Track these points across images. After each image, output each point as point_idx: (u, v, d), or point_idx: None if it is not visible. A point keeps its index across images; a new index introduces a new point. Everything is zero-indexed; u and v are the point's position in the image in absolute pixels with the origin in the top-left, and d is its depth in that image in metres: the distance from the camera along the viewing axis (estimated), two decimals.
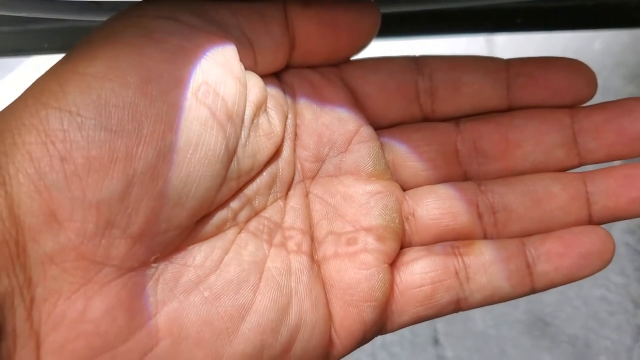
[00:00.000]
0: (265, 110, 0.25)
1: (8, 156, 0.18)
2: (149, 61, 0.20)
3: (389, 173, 0.27)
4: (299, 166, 0.26)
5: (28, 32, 0.36)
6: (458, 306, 0.26)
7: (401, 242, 0.27)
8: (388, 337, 0.82)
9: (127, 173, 0.19)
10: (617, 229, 0.83)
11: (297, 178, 0.26)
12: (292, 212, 0.26)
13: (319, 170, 0.27)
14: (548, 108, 0.27)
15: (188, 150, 0.20)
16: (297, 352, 0.24)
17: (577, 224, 0.26)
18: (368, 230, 0.26)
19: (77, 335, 0.19)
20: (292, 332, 0.23)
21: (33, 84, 0.20)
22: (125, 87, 0.19)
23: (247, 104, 0.23)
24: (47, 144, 0.18)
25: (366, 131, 0.27)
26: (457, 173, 0.28)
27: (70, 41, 0.36)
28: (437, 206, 0.27)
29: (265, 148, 0.24)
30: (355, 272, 0.25)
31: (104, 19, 0.23)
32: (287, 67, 0.26)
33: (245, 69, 0.24)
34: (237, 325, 0.22)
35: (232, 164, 0.22)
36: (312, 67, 0.27)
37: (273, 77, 0.26)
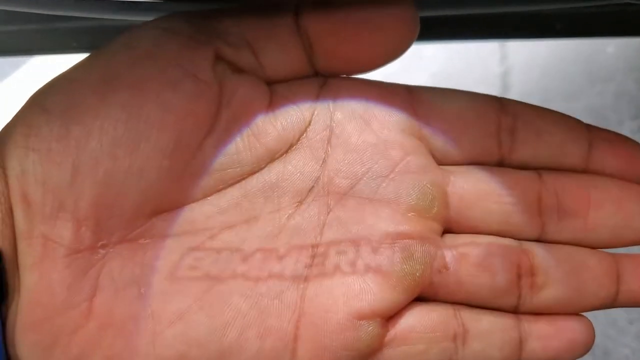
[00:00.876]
0: (266, 111, 0.24)
1: (6, 150, 0.22)
2: (113, 63, 0.22)
3: (437, 212, 0.25)
4: (324, 179, 0.25)
5: (56, 30, 0.36)
6: None
7: (421, 294, 0.25)
8: None
9: (75, 162, 0.21)
10: None
11: (317, 191, 0.25)
12: (293, 228, 0.24)
13: (352, 188, 0.25)
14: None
15: (132, 145, 0.21)
16: None
17: (605, 300, 0.26)
18: (376, 271, 0.24)
19: (28, 302, 0.21)
20: (223, 354, 0.23)
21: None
22: (84, 87, 0.22)
23: (221, 104, 0.23)
24: (29, 136, 0.21)
25: (415, 161, 0.25)
26: (535, 225, 0.26)
27: (99, 40, 0.36)
28: (477, 262, 0.25)
29: (250, 148, 0.24)
30: (343, 316, 0.23)
31: (136, 18, 0.24)
32: (334, 74, 0.26)
33: (248, 72, 0.24)
34: (164, 329, 0.22)
35: (189, 161, 0.23)
36: (356, 73, 0.26)
37: (304, 82, 0.25)
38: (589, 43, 1.20)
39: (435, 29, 0.33)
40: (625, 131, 0.97)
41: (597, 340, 0.74)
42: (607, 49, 1.18)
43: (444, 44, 1.26)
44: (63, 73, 0.23)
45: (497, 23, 0.36)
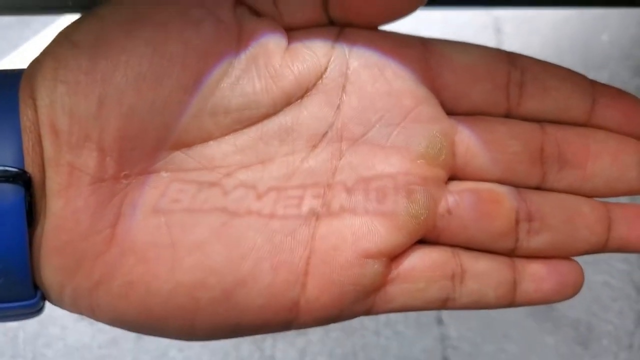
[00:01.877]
0: (283, 54, 0.25)
1: (36, 83, 0.22)
2: (139, 3, 0.23)
3: (444, 159, 0.26)
4: (338, 124, 0.26)
5: None
6: (444, 304, 0.27)
7: (424, 236, 0.26)
8: (392, 315, 0.83)
9: (101, 94, 0.22)
10: None
11: (330, 136, 0.26)
12: (306, 170, 0.25)
13: (365, 135, 0.26)
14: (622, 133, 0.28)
15: (155, 80, 0.23)
16: (240, 304, 0.24)
17: (596, 246, 0.27)
18: (384, 214, 0.25)
19: (53, 227, 0.22)
20: (238, 283, 0.24)
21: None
22: (114, 26, 0.23)
23: (240, 45, 0.24)
24: (57, 69, 0.22)
25: (426, 111, 0.26)
26: (536, 173, 0.27)
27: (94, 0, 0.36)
28: (476, 208, 0.26)
29: (267, 90, 0.24)
30: (351, 254, 0.25)
31: None
32: (349, 24, 0.26)
33: (266, 16, 0.25)
34: (183, 257, 0.23)
35: (208, 99, 0.24)
36: (369, 26, 0.26)
37: (321, 29, 0.26)
38: (585, 31, 1.21)
39: None
40: None
41: (581, 316, 0.76)
42: (602, 37, 1.20)
43: (442, 12, 1.26)
44: (92, 11, 0.23)
45: None
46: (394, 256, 0.26)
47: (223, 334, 0.25)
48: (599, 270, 0.81)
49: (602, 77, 1.08)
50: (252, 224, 0.24)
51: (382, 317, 0.83)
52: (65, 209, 0.22)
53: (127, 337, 0.86)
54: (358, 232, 0.25)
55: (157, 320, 0.24)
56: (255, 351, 0.83)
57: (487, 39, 1.26)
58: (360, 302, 0.25)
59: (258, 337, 0.84)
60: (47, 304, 0.25)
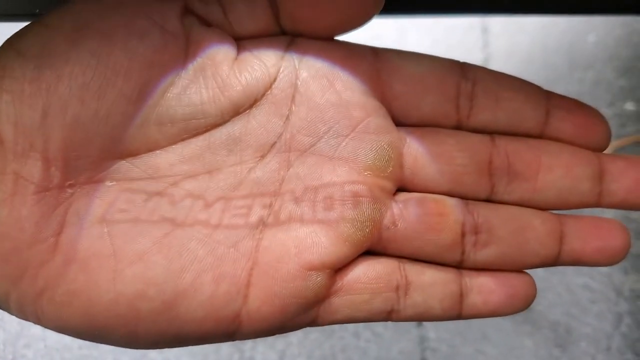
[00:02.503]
0: (232, 64, 0.25)
1: None
2: (85, 12, 0.23)
3: (392, 171, 0.26)
4: (286, 135, 0.25)
5: None
6: (389, 316, 0.27)
7: (370, 247, 0.26)
8: None
9: (45, 104, 0.22)
10: None
11: (279, 147, 0.25)
12: (254, 181, 0.25)
13: (313, 146, 0.26)
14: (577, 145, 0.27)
15: (99, 91, 0.22)
16: (181, 315, 0.24)
17: (547, 259, 0.27)
18: (329, 226, 0.25)
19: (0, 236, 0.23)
20: (178, 295, 0.24)
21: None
22: (57, 33, 0.23)
23: (188, 55, 0.24)
24: (3, 78, 0.22)
25: (374, 122, 0.26)
26: (485, 186, 0.27)
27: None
28: (422, 220, 0.26)
29: (214, 101, 0.24)
30: (294, 266, 0.25)
31: None
32: (299, 35, 0.26)
33: (215, 26, 0.25)
34: (124, 267, 0.23)
35: (154, 109, 0.24)
36: (321, 38, 0.26)
37: (271, 39, 0.26)
38: (571, 32, 1.21)
39: (394, 3, 0.33)
40: None
41: (560, 318, 0.76)
42: (588, 38, 1.20)
43: (401, 18, 1.26)
44: (38, 19, 0.23)
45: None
46: (338, 268, 0.26)
47: (165, 343, 0.25)
48: (580, 273, 0.81)
49: (587, 77, 1.09)
50: (195, 235, 0.24)
51: None
52: (9, 217, 0.22)
53: None
54: (302, 244, 0.25)
55: (100, 329, 0.24)
56: (235, 353, 0.83)
57: (474, 39, 1.26)
58: (303, 313, 0.25)
59: None
60: None
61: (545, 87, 0.27)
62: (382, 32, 1.19)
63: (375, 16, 0.25)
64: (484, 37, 1.26)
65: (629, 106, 1.04)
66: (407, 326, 0.81)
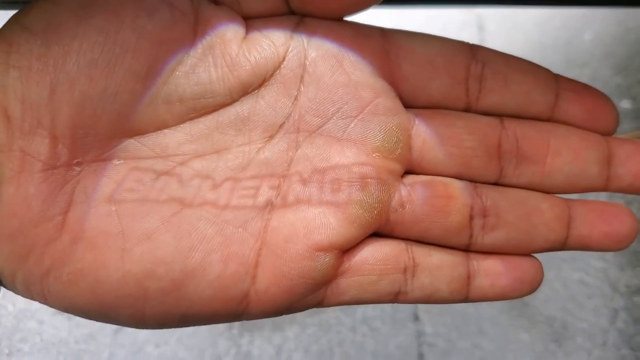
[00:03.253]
0: (241, 43, 0.24)
1: None
2: None
3: (400, 153, 0.26)
4: (295, 115, 0.25)
5: None
6: (396, 298, 0.27)
7: (378, 229, 0.26)
8: (369, 311, 0.83)
9: (53, 81, 0.22)
10: None
11: (287, 127, 0.25)
12: (262, 161, 0.25)
13: (322, 127, 0.26)
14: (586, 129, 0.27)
15: (107, 68, 0.22)
16: (189, 294, 0.24)
17: (555, 243, 0.27)
18: (337, 207, 0.25)
19: (5, 213, 0.22)
20: (187, 274, 0.24)
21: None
22: (64, 10, 0.22)
23: (197, 33, 0.24)
24: (10, 53, 0.22)
25: (383, 103, 0.26)
26: (493, 169, 0.27)
27: None
28: (430, 202, 0.26)
29: (223, 80, 0.24)
30: (302, 247, 0.25)
31: None
32: (310, 15, 0.26)
33: (224, 4, 0.25)
34: (132, 246, 0.23)
35: (162, 87, 0.23)
36: (329, 18, 0.26)
37: (280, 19, 0.26)
38: (567, 29, 1.21)
39: None
40: None
41: (557, 313, 0.76)
42: (585, 36, 1.20)
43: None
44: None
45: None
46: (346, 249, 0.26)
47: (173, 322, 0.25)
48: (576, 268, 0.81)
49: (583, 74, 1.09)
50: (204, 214, 0.24)
51: (359, 314, 0.83)
52: (16, 195, 0.22)
53: (104, 332, 0.86)
54: (310, 225, 0.25)
55: (108, 308, 0.24)
56: (232, 347, 0.83)
57: (470, 37, 1.26)
58: (311, 294, 0.25)
59: (235, 333, 0.84)
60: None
61: None
62: (377, 24, 1.19)
63: (378, 5, 0.25)
64: (480, 34, 1.26)
65: (625, 104, 1.05)
66: (404, 321, 0.81)
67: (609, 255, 0.84)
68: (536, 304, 0.79)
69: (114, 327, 0.87)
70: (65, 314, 0.89)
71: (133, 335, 0.86)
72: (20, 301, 0.91)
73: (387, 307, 0.83)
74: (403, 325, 0.81)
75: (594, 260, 0.84)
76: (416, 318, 0.81)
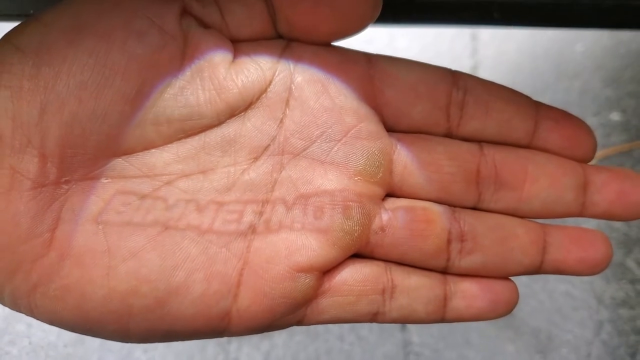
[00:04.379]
0: (228, 67, 0.25)
1: None
2: (83, 11, 0.23)
3: (382, 177, 0.27)
4: (280, 138, 0.26)
5: None
6: (375, 318, 0.27)
7: (358, 251, 0.27)
8: None
9: (43, 101, 0.22)
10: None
11: (272, 149, 0.26)
12: (247, 182, 0.26)
13: (306, 150, 0.26)
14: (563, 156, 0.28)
15: (96, 89, 0.23)
16: (173, 312, 0.24)
17: (530, 267, 0.28)
18: (318, 230, 0.26)
19: None
20: (170, 292, 0.24)
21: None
22: (55, 31, 0.23)
23: (185, 57, 0.24)
24: (2, 73, 0.22)
25: (367, 128, 0.27)
26: (472, 194, 0.28)
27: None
28: (409, 226, 0.27)
29: (211, 102, 0.25)
30: (283, 267, 0.25)
31: None
32: (296, 40, 0.26)
33: (213, 28, 0.25)
34: (118, 264, 0.24)
35: (150, 109, 0.24)
36: (316, 43, 0.27)
37: (267, 43, 0.26)
38: (559, 41, 1.22)
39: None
40: None
41: (542, 325, 0.76)
42: (576, 47, 1.21)
43: (393, 27, 1.27)
44: (36, 16, 0.24)
45: (443, 10, 0.37)
46: (326, 270, 0.26)
47: (156, 338, 0.25)
48: (562, 280, 0.82)
49: (574, 86, 1.10)
50: (188, 234, 0.25)
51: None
52: (5, 212, 0.23)
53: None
54: (292, 246, 0.26)
55: (93, 323, 0.24)
56: (220, 353, 0.83)
57: (463, 46, 1.27)
58: (291, 313, 0.26)
59: (223, 339, 0.84)
60: None
61: (533, 95, 0.28)
62: (373, 36, 1.20)
63: (370, 25, 0.26)
64: (473, 43, 1.27)
65: (615, 116, 1.05)
66: (391, 330, 0.82)
67: None
68: (522, 315, 0.80)
69: None
70: None
71: None
72: None
73: None
74: (390, 334, 0.81)
75: None
76: (403, 327, 0.82)
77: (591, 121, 1.01)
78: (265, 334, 0.85)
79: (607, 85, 1.12)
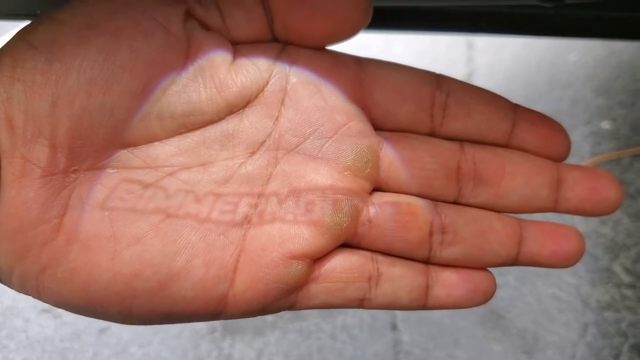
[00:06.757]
0: (229, 67, 0.26)
1: None
2: (95, 11, 0.25)
3: (369, 172, 0.28)
4: (275, 134, 0.27)
5: None
6: (361, 304, 0.29)
7: (346, 241, 0.28)
8: (348, 319, 0.85)
9: (54, 95, 0.23)
10: None
11: (268, 145, 0.27)
12: (244, 174, 0.27)
13: (299, 146, 0.28)
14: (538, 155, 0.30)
15: (105, 85, 0.24)
16: (173, 295, 0.26)
17: (506, 259, 0.29)
18: (310, 220, 0.27)
19: (6, 214, 0.24)
20: (172, 276, 0.26)
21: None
22: (67, 29, 0.24)
23: (189, 57, 0.26)
24: (16, 68, 0.23)
25: (356, 127, 0.28)
26: (452, 189, 0.29)
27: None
28: (394, 218, 0.28)
29: (211, 99, 0.26)
30: (277, 255, 0.27)
31: None
32: (291, 44, 0.28)
33: (214, 31, 0.27)
34: (122, 249, 0.25)
35: (155, 104, 0.25)
36: (311, 47, 0.28)
37: (265, 46, 0.28)
38: (552, 50, 1.24)
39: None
40: (577, 136, 1.01)
41: (529, 326, 0.78)
42: (569, 57, 1.22)
43: (388, 34, 1.28)
44: (49, 14, 0.25)
45: (434, 17, 0.38)
46: (317, 258, 0.28)
47: (157, 320, 0.27)
48: (549, 283, 0.83)
49: (566, 95, 1.11)
50: (189, 222, 0.26)
51: (339, 321, 0.85)
52: (17, 198, 0.24)
53: (89, 331, 0.87)
54: (285, 235, 0.27)
55: (98, 305, 0.26)
56: (214, 350, 0.84)
57: (459, 53, 1.28)
58: (283, 298, 0.28)
59: (217, 336, 0.85)
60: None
61: (526, 104, 0.29)
62: (369, 42, 1.21)
63: (362, 30, 0.28)
64: (469, 52, 1.28)
65: (605, 125, 1.07)
66: (382, 329, 0.83)
67: (581, 271, 0.86)
68: (510, 316, 0.81)
69: (98, 326, 0.88)
70: (51, 313, 0.90)
71: (117, 335, 0.87)
72: (7, 299, 0.92)
73: (366, 315, 0.85)
74: (381, 333, 0.83)
75: (567, 276, 0.86)
76: (394, 327, 0.83)
77: (582, 129, 1.03)
78: (259, 331, 0.86)
79: (598, 94, 1.14)
